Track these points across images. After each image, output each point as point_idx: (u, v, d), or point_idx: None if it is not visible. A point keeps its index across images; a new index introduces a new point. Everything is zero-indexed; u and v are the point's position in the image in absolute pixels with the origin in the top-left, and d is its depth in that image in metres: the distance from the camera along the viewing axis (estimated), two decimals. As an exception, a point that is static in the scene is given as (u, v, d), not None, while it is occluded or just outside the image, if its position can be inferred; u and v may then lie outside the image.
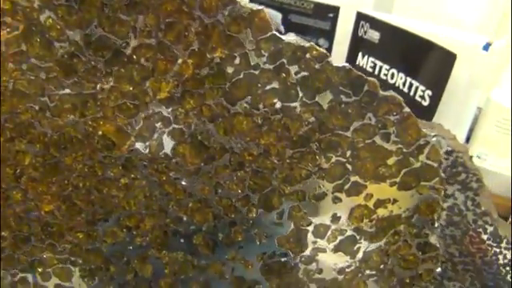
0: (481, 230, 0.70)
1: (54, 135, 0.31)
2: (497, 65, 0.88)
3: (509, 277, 0.69)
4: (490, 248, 0.70)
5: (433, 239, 0.38)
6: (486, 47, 0.84)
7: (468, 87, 0.92)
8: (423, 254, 0.39)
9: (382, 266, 0.39)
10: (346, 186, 0.36)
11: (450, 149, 0.63)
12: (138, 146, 0.32)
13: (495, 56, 0.86)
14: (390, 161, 0.35)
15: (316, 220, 0.36)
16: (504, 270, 0.70)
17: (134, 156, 0.33)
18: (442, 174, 0.36)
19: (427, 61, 0.84)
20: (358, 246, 0.38)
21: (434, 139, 0.35)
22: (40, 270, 0.35)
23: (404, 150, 0.35)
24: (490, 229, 0.67)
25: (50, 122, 0.31)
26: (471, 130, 0.97)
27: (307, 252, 0.37)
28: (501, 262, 0.69)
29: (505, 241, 0.68)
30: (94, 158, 0.32)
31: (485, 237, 0.70)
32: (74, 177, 0.33)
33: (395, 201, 0.37)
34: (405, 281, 0.39)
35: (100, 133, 0.32)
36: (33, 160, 0.32)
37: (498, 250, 0.69)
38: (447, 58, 0.82)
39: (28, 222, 0.33)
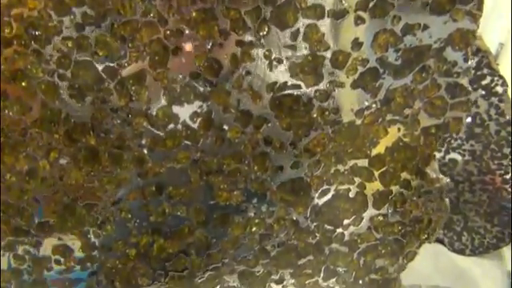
0: (504, 142, 0.66)
1: None
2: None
3: (530, 197, 0.66)
4: (512, 164, 0.66)
5: (464, 81, 0.34)
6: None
7: (491, 14, 0.88)
8: (452, 98, 0.35)
9: (405, 111, 0.35)
10: (371, 4, 0.32)
11: (475, 48, 0.59)
12: None
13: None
14: (423, -27, 0.31)
15: (335, 45, 0.33)
16: (525, 189, 0.67)
17: None
18: (481, -3, 0.32)
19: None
20: (380, 81, 0.34)
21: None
22: (24, 84, 0.32)
23: (440, -39, 0.31)
24: (514, 141, 0.64)
25: None
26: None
27: (322, 85, 0.34)
28: (523, 180, 0.66)
29: (529, 155, 0.65)
30: None
31: (507, 150, 0.67)
32: (62, -34, 0.29)
33: (426, 27, 0.33)
34: (430, 130, 0.36)
35: None
36: None
37: (520, 166, 0.65)
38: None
39: (10, 22, 0.30)
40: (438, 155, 0.69)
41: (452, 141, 0.70)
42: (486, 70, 0.64)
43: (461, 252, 0.79)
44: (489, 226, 0.76)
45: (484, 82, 0.65)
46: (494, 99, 0.66)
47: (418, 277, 0.72)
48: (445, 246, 0.80)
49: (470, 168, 0.71)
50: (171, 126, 0.34)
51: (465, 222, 0.77)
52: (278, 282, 0.41)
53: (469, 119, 0.64)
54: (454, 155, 0.71)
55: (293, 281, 0.41)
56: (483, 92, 0.66)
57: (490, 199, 0.73)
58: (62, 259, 0.37)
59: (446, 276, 0.76)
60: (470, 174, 0.72)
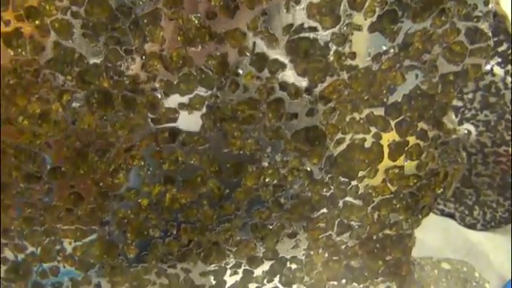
0: (519, 112, 0.66)
1: None
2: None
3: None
4: (527, 134, 0.66)
5: (484, 26, 0.34)
6: None
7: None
8: (472, 43, 0.35)
9: (424, 57, 0.35)
10: None
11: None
12: None
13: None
14: None
15: (353, -15, 0.32)
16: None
17: None
18: None
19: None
20: (399, 25, 0.34)
21: None
22: (37, 22, 0.32)
23: None
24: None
25: None
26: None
27: (339, 28, 0.34)
28: (538, 151, 0.66)
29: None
30: None
31: (523, 120, 0.66)
32: None
33: (446, -33, 0.33)
34: (448, 77, 0.36)
35: None
36: None
37: (536, 137, 0.65)
38: None
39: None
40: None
41: (466, 111, 0.70)
42: (502, 36, 0.63)
43: (472, 227, 0.79)
44: (501, 200, 0.76)
45: (500, 49, 0.64)
46: (511, 67, 0.65)
47: (428, 251, 0.73)
48: (456, 220, 0.80)
49: (483, 139, 0.71)
50: (185, 69, 0.34)
51: (477, 195, 0.77)
52: (290, 236, 0.41)
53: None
54: (467, 126, 0.71)
55: (306, 235, 0.41)
56: (499, 59, 0.65)
57: (504, 172, 0.73)
58: (74, 208, 0.38)
59: (456, 250, 0.76)
60: (484, 146, 0.72)
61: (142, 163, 0.37)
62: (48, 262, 0.40)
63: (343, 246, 0.42)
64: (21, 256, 0.39)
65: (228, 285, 0.42)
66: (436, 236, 0.78)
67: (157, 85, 0.34)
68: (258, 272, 0.42)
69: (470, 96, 0.69)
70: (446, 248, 0.76)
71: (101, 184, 0.37)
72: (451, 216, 0.80)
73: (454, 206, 0.80)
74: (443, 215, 0.81)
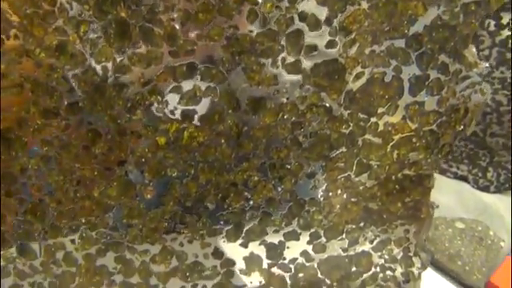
0: (536, 67, 0.65)
1: None
2: None
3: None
4: (543, 90, 0.65)
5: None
6: None
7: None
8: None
9: (445, -16, 0.35)
10: None
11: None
12: None
13: None
14: None
15: None
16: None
17: None
18: None
19: None
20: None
21: None
22: None
23: None
24: (546, 66, 0.63)
25: None
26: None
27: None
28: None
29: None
30: None
31: (539, 76, 0.66)
32: None
33: None
34: (470, 7, 0.36)
35: None
36: None
37: (552, 93, 0.65)
38: None
39: None
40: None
41: (480, 68, 0.69)
42: (519, -12, 0.63)
43: (485, 189, 0.79)
44: (516, 161, 0.76)
45: (517, 2, 0.64)
46: (527, 20, 0.64)
47: (442, 212, 0.73)
48: (469, 183, 0.80)
49: (498, 98, 0.71)
50: (204, -3, 0.34)
51: (491, 156, 0.77)
52: (309, 177, 0.41)
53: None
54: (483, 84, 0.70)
55: (324, 175, 0.41)
56: (516, 12, 0.64)
57: (519, 131, 0.72)
58: (92, 147, 0.38)
59: (470, 211, 0.76)
60: (499, 105, 0.71)
61: (160, 98, 0.37)
62: (65, 203, 0.40)
63: (362, 187, 0.42)
64: (38, 196, 0.39)
65: (246, 228, 0.43)
66: (450, 198, 0.78)
67: (175, 15, 0.34)
68: (276, 215, 0.43)
69: (486, 52, 0.68)
70: (459, 209, 0.77)
71: (118, 121, 0.37)
72: (464, 179, 0.80)
73: (467, 168, 0.80)
74: (456, 178, 0.81)
